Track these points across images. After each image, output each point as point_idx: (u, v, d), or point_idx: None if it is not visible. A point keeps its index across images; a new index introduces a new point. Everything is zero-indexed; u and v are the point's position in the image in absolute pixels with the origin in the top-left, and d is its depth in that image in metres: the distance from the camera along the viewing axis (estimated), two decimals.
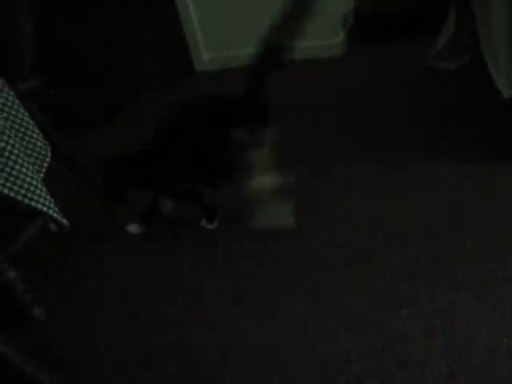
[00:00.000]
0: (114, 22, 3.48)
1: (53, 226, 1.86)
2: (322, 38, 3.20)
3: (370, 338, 1.38)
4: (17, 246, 1.69)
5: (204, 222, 1.91)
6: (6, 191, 1.37)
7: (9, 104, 1.47)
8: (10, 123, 1.46)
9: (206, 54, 3.45)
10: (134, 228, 1.99)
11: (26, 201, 1.39)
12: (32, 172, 1.43)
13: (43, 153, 1.55)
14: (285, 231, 1.79)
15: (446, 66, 2.74)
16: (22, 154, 1.40)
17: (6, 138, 1.34)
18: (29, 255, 2.01)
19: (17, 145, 1.38)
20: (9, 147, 1.35)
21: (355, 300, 1.50)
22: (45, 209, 1.44)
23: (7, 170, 1.36)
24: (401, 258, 1.61)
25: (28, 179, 1.40)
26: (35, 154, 1.54)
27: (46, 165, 1.56)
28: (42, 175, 1.54)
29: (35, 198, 1.42)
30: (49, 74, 3.28)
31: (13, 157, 1.36)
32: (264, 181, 1.69)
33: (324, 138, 2.37)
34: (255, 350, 1.43)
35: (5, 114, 1.45)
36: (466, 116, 2.24)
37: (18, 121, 1.49)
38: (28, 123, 1.52)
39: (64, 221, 1.52)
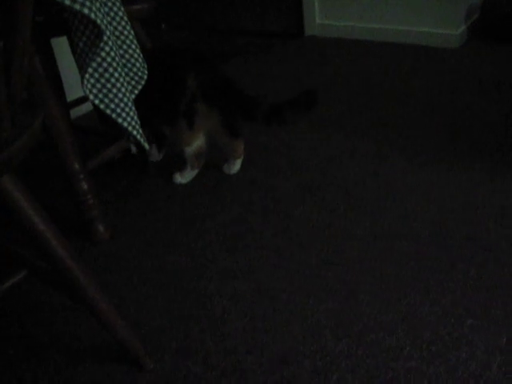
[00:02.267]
0: None
1: (133, 149, 1.88)
2: (442, 26, 3.06)
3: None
4: (96, 161, 1.71)
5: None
6: (96, 101, 1.37)
7: (117, 19, 1.46)
8: (114, 37, 1.46)
9: (318, 19, 3.38)
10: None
11: (114, 115, 1.40)
12: (125, 89, 1.42)
13: (140, 74, 1.55)
14: None
15: None
16: (119, 69, 1.39)
17: (107, 49, 1.34)
18: (106, 174, 2.07)
19: (117, 58, 1.38)
20: (108, 59, 1.35)
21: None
22: (130, 128, 1.44)
23: (102, 81, 1.36)
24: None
25: (120, 95, 1.40)
26: (131, 74, 1.53)
27: (139, 86, 1.55)
28: (134, 95, 1.54)
29: (123, 114, 1.41)
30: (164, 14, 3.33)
31: (110, 69, 1.36)
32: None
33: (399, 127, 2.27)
34: None
35: (112, 28, 1.45)
36: None
37: (123, 37, 1.48)
38: (132, 42, 1.51)
39: (146, 145, 1.51)
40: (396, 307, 1.40)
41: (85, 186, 1.61)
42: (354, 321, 1.36)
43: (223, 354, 1.31)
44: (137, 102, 1.56)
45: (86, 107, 2.53)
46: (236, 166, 2.02)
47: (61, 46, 2.17)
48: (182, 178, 1.97)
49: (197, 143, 1.85)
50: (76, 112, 2.52)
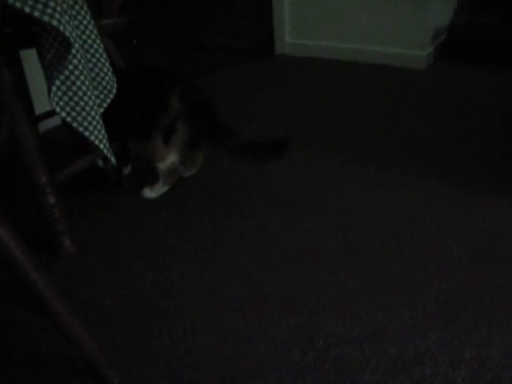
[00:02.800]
0: None
1: (100, 163, 1.87)
2: (410, 48, 3.14)
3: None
4: (64, 174, 1.70)
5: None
6: (63, 114, 1.36)
7: (87, 33, 1.46)
8: (84, 51, 1.46)
9: (288, 38, 3.42)
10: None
11: (81, 129, 1.39)
12: (93, 102, 1.42)
13: (108, 88, 1.54)
14: None
15: None
16: (87, 82, 1.39)
17: (76, 62, 1.33)
18: (74, 188, 2.05)
19: (85, 72, 1.38)
20: (76, 72, 1.35)
21: None
22: (96, 141, 1.43)
23: (69, 93, 1.36)
24: None
25: (87, 108, 1.39)
26: (100, 88, 1.53)
27: (108, 100, 1.55)
28: (102, 109, 1.53)
29: (90, 128, 1.41)
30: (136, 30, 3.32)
31: (78, 82, 1.36)
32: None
33: (367, 141, 2.31)
34: None
35: (81, 42, 1.45)
36: None
37: (92, 51, 1.48)
38: (101, 56, 1.51)
39: (113, 158, 1.51)
40: (362, 322, 1.40)
41: (51, 200, 1.59)
42: (320, 335, 1.37)
43: (190, 370, 1.30)
44: (108, 115, 1.56)
45: (56, 120, 2.51)
46: (191, 172, 2.10)
47: (31, 58, 2.15)
48: (152, 192, 1.97)
49: (171, 159, 1.86)
50: (46, 125, 2.50)
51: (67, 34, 1.26)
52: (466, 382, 1.23)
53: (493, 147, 2.23)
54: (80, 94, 1.37)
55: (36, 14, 1.20)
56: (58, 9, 1.23)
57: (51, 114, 2.10)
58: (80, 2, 1.43)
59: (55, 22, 1.22)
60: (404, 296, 1.48)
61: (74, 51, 1.33)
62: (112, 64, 1.60)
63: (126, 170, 2.10)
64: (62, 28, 1.24)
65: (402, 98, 2.77)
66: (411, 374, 1.25)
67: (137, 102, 1.81)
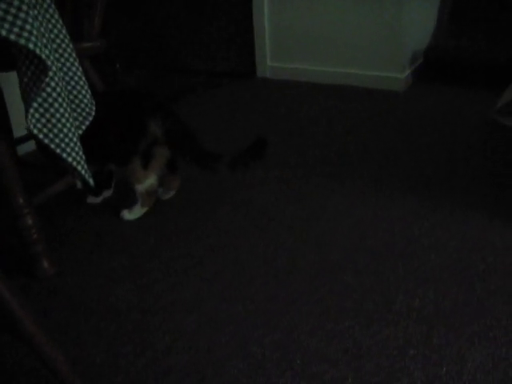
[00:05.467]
0: (187, 19, 3.57)
1: (78, 184, 1.88)
2: (388, 70, 3.19)
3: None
4: (42, 197, 1.70)
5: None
6: (41, 136, 1.37)
7: (66, 55, 1.47)
8: (62, 73, 1.47)
9: (270, 62, 3.47)
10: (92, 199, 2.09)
11: (58, 150, 1.40)
12: (71, 124, 1.43)
13: (87, 110, 1.56)
14: None
15: (509, 122, 2.68)
16: (65, 104, 1.40)
17: (53, 84, 1.35)
18: (51, 209, 2.05)
19: (62, 94, 1.39)
20: (54, 94, 1.36)
21: None
22: (74, 163, 1.44)
23: (47, 115, 1.37)
24: None
25: (65, 130, 1.40)
26: (79, 110, 1.54)
27: (87, 122, 1.56)
28: (80, 131, 1.54)
29: (68, 150, 1.42)
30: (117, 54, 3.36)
31: (56, 105, 1.37)
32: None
33: (346, 164, 2.35)
34: None
35: (59, 64, 1.46)
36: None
37: (71, 73, 1.50)
38: (80, 78, 1.52)
39: (90, 180, 1.52)
40: (339, 339, 1.41)
41: (29, 221, 1.59)
42: (297, 353, 1.37)
43: None
44: (87, 139, 1.58)
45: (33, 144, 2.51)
46: (169, 195, 2.11)
47: (10, 81, 2.16)
48: (131, 214, 1.97)
49: (149, 181, 1.88)
50: (27, 147, 2.50)
51: (43, 56, 1.27)
52: None
53: (468, 167, 2.27)
54: (57, 116, 1.38)
55: (12, 37, 1.21)
56: (35, 32, 1.24)
57: (32, 136, 2.11)
58: (59, 26, 1.45)
59: (31, 46, 1.24)
60: (380, 313, 1.50)
61: (51, 74, 1.34)
62: (92, 87, 1.62)
63: (108, 193, 2.11)
64: (38, 51, 1.26)
65: (381, 120, 2.81)
66: None
67: (116, 127, 1.83)
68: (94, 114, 1.58)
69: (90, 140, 1.63)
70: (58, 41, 1.46)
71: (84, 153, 1.50)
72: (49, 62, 1.31)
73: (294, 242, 1.82)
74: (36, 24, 1.27)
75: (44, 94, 1.36)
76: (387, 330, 1.43)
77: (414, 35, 3.21)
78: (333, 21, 3.21)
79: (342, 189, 2.14)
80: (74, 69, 1.52)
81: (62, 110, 1.39)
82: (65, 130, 1.41)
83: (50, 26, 1.42)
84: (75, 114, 1.55)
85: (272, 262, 1.73)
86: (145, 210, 1.98)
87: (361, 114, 2.90)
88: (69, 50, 1.50)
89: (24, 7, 1.23)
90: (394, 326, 1.45)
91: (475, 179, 2.17)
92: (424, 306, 1.51)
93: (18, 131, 2.13)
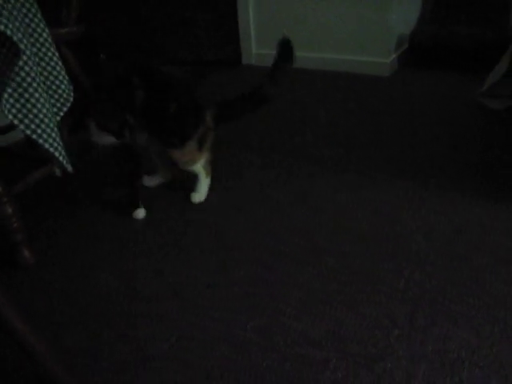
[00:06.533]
0: (173, 8, 3.54)
1: (58, 171, 1.85)
2: (374, 55, 3.18)
3: None
4: (21, 185, 1.68)
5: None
6: (16, 121, 1.35)
7: (41, 40, 1.45)
8: (38, 59, 1.45)
9: (255, 49, 3.45)
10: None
11: (35, 136, 1.37)
12: (47, 110, 1.40)
13: (65, 96, 1.53)
14: None
15: (493, 105, 2.69)
16: (40, 90, 1.37)
17: (27, 69, 1.32)
18: (31, 198, 2.03)
19: (37, 79, 1.36)
20: (28, 79, 1.33)
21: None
22: (51, 149, 1.41)
23: (21, 101, 1.34)
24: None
25: (41, 115, 1.38)
26: (56, 96, 1.52)
27: (65, 109, 1.54)
28: (58, 118, 1.52)
29: (44, 136, 1.39)
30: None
31: (30, 89, 1.34)
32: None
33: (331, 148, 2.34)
34: None
35: (35, 49, 1.44)
36: (499, 158, 2.18)
37: (47, 59, 1.47)
38: (56, 64, 1.49)
39: (69, 166, 1.49)
40: (323, 321, 1.40)
41: (9, 210, 1.57)
42: (281, 336, 1.36)
43: (151, 374, 1.28)
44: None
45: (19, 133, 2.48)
46: (154, 183, 2.16)
47: None
48: (200, 193, 2.02)
49: (203, 160, 1.99)
50: (14, 137, 2.47)
51: (15, 38, 1.25)
52: (427, 376, 1.24)
53: (454, 151, 2.26)
54: (32, 100, 1.35)
55: None
56: (5, 13, 1.22)
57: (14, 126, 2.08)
58: (33, 10, 1.42)
59: (1, 27, 1.21)
60: (366, 294, 1.49)
61: (25, 58, 1.31)
62: (73, 76, 1.59)
63: (154, 181, 2.15)
64: (9, 32, 1.23)
65: (367, 105, 2.80)
66: (372, 371, 1.26)
67: (181, 115, 1.91)
68: (72, 100, 1.55)
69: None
70: (32, 25, 1.43)
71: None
72: (22, 46, 1.28)
73: (278, 227, 1.81)
74: (8, 6, 1.24)
75: (18, 79, 1.33)
76: (371, 311, 1.43)
77: (400, 20, 3.20)
78: (318, 7, 3.19)
79: (327, 173, 2.13)
80: (49, 54, 1.49)
81: (37, 95, 1.37)
82: (40, 116, 1.38)
83: (24, 10, 1.39)
84: (53, 101, 1.52)
85: (257, 247, 1.72)
86: (209, 178, 2.03)
87: (346, 99, 2.88)
88: (44, 34, 1.47)
89: None
90: (378, 306, 1.44)
91: (461, 162, 2.16)
92: (409, 287, 1.51)
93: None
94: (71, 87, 1.56)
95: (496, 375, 1.23)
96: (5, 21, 1.21)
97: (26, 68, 1.33)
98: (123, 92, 1.86)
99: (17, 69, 1.31)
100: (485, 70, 2.71)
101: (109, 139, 1.88)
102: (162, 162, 2.09)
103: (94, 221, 1.91)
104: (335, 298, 1.48)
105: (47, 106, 1.41)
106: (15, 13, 1.30)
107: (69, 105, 1.56)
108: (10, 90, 1.33)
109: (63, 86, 1.53)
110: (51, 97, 1.52)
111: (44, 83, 1.45)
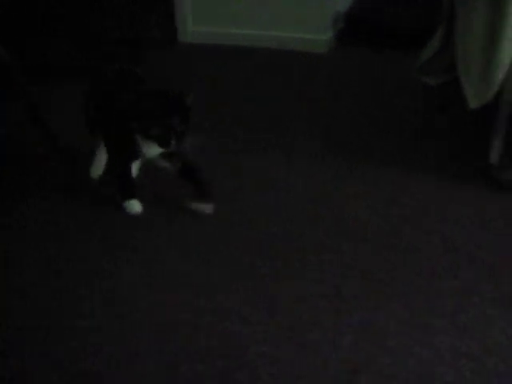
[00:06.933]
0: None
1: None
2: (310, 32, 3.17)
3: None
4: None
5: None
6: None
7: None
8: None
9: (192, 26, 3.38)
10: None
11: None
12: None
13: None
14: None
15: (428, 80, 2.72)
16: None
17: None
18: None
19: None
20: None
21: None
22: None
23: None
24: None
25: None
26: None
27: None
28: None
29: None
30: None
31: None
32: None
33: (279, 127, 2.32)
34: None
35: None
36: (433, 130, 2.24)
37: None
38: None
39: None
40: (249, 296, 1.41)
41: None
42: (209, 312, 1.36)
43: (100, 365, 1.25)
44: None
45: None
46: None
47: None
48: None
49: None
50: None
51: None
52: (352, 345, 1.26)
53: (392, 126, 2.27)
54: None
55: None
56: None
57: None
58: None
59: None
60: (293, 268, 1.50)
61: None
62: None
63: None
64: None
65: (305, 82, 2.79)
66: (298, 342, 1.26)
67: None
68: None
69: None
70: None
71: None
72: None
73: (224, 211, 1.74)
74: None
75: None
76: (301, 285, 1.44)
77: None
78: None
79: (255, 152, 2.10)
80: None
81: None
82: None
83: None
84: None
85: (208, 237, 1.66)
86: None
87: (285, 77, 2.85)
88: None
89: None
90: (305, 279, 1.46)
91: (398, 137, 2.18)
92: (336, 259, 1.52)
93: None
94: None
95: (420, 343, 1.26)
96: None
97: None
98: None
99: None
100: (420, 48, 2.74)
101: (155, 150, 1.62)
102: None
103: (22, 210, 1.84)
104: (260, 273, 1.48)
105: None
106: None
107: None
108: None
109: None
110: None
111: None
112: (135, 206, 1.73)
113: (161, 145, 1.57)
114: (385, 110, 2.44)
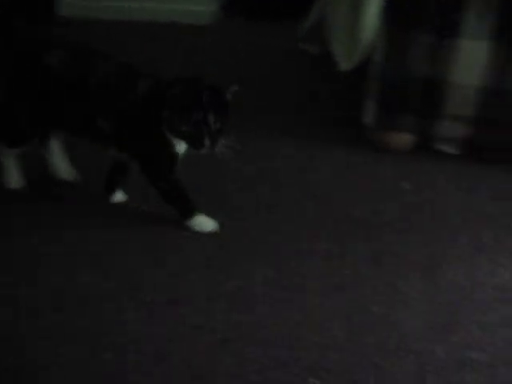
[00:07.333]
0: None
1: None
2: (194, 3, 3.12)
3: None
4: None
5: None
6: None
7: None
8: None
9: None
10: None
11: None
12: None
13: None
14: None
15: (311, 49, 2.74)
16: None
17: None
18: None
19: None
20: None
21: None
22: None
23: None
24: None
25: None
26: None
27: None
28: None
29: None
30: None
31: None
32: None
33: None
34: None
35: None
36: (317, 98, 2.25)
37: None
38: None
39: None
40: (112, 272, 1.35)
41: None
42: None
43: None
44: None
45: None
46: None
47: None
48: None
49: None
50: None
51: None
52: (226, 313, 1.23)
53: (278, 97, 2.27)
54: None
55: None
56: None
57: None
58: None
59: None
60: (164, 239, 1.46)
61: None
62: None
63: None
64: None
65: (188, 54, 2.73)
66: (169, 316, 1.22)
67: None
68: None
69: None
70: None
71: None
72: None
73: None
74: None
75: None
76: (171, 257, 1.40)
77: None
78: None
79: None
80: None
81: None
82: None
83: None
84: None
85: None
86: None
87: (168, 50, 2.78)
88: None
89: None
90: (176, 252, 1.42)
91: (284, 108, 2.17)
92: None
93: None
94: None
95: (290, 304, 1.26)
96: None
97: None
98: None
99: None
100: (303, 17, 2.75)
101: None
102: None
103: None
104: (126, 248, 1.42)
105: None
106: None
107: None
108: None
109: None
110: None
111: None
112: (209, 221, 1.45)
113: (192, 145, 1.36)
114: (269, 80, 2.43)
